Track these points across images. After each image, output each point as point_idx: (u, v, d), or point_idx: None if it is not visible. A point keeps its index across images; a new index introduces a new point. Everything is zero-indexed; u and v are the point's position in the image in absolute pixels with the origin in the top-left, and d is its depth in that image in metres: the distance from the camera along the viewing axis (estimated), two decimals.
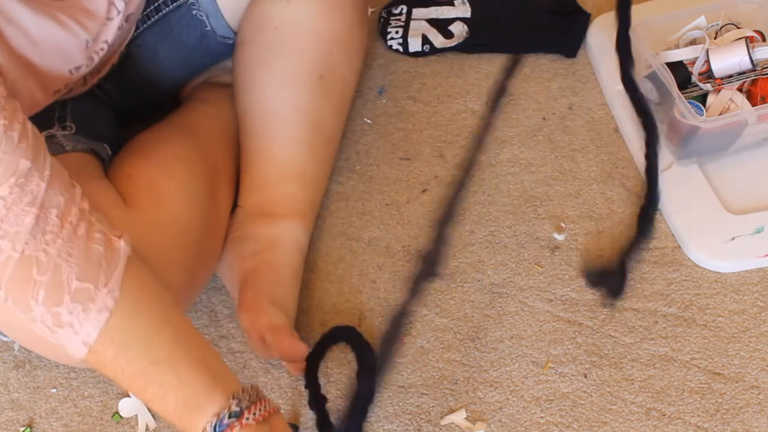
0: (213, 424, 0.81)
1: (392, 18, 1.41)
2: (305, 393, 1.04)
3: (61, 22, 0.89)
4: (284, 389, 1.07)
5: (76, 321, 0.79)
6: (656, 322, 1.10)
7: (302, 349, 1.01)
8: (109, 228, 0.83)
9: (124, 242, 0.83)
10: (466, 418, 1.03)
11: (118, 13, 0.97)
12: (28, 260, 0.77)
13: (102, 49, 0.99)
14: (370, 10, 1.37)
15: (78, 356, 0.81)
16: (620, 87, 1.28)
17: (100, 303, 0.80)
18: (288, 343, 1.00)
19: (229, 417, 0.81)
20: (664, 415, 1.03)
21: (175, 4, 1.12)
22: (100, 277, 0.80)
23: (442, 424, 1.03)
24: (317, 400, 1.03)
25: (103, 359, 0.81)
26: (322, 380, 1.06)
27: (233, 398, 0.82)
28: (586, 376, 1.06)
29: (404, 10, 1.42)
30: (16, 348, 1.10)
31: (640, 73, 1.22)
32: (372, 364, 1.05)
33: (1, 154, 0.75)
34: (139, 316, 0.82)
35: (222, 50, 1.19)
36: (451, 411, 1.04)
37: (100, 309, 0.80)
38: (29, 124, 0.80)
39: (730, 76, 1.18)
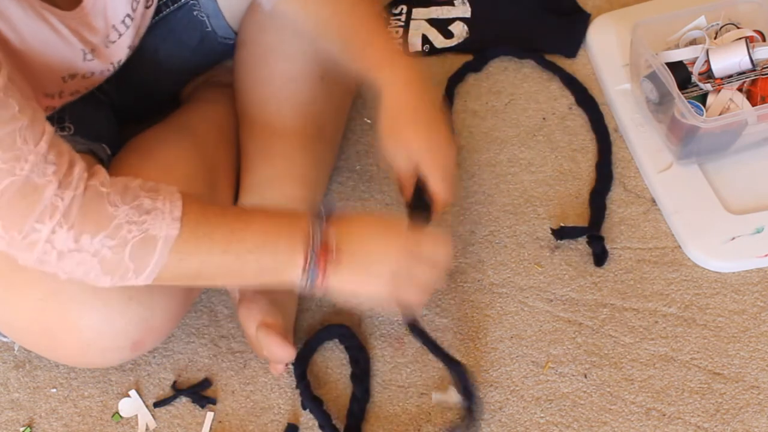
0: (318, 212, 0.90)
1: (392, 18, 1.41)
2: (298, 396, 1.05)
3: (55, 28, 0.89)
4: (284, 389, 1.07)
5: (158, 203, 0.84)
6: (656, 322, 1.10)
7: (288, 352, 1.01)
8: None
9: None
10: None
11: (120, 35, 0.97)
12: (91, 187, 0.83)
13: (109, 69, 1.01)
14: None
15: (170, 240, 0.84)
16: (620, 87, 1.29)
17: (165, 188, 0.86)
18: (276, 343, 1.00)
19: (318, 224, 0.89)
20: (664, 415, 1.03)
21: (176, 5, 1.12)
22: (156, 183, 0.87)
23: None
24: (312, 402, 1.03)
25: (195, 218, 0.86)
26: (317, 382, 1.06)
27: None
28: (586, 376, 1.06)
29: (404, 10, 1.42)
30: (16, 348, 1.11)
31: (640, 73, 1.22)
32: (366, 365, 1.06)
33: (26, 120, 0.79)
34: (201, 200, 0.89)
35: (223, 51, 1.19)
36: (451, 410, 1.04)
37: (172, 191, 0.86)
38: (34, 102, 0.84)
39: (730, 76, 1.18)
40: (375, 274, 0.90)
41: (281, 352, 1.00)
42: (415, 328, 1.05)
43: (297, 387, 1.05)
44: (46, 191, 0.79)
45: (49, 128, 0.82)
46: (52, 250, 0.81)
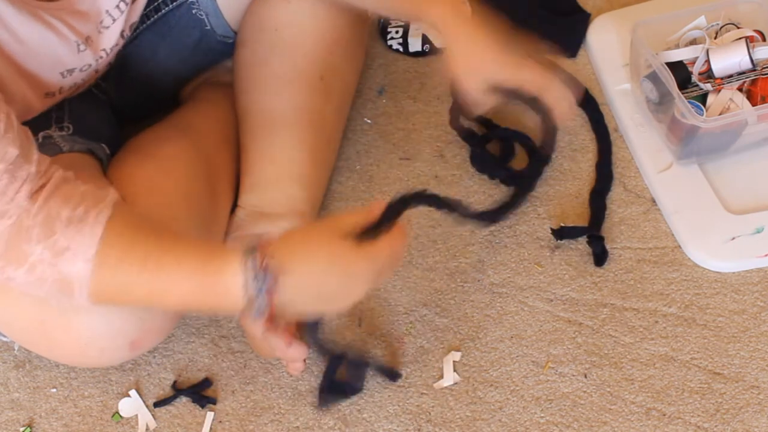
0: (247, 260, 0.82)
1: (392, 18, 1.41)
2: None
3: (48, 23, 0.89)
4: (284, 389, 1.07)
5: (73, 243, 0.81)
6: (656, 322, 1.10)
7: (302, 350, 1.01)
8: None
9: (112, 189, 0.86)
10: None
11: (114, 20, 0.97)
12: (20, 218, 0.80)
13: (101, 57, 0.99)
14: None
15: (83, 281, 0.81)
16: (620, 87, 1.29)
17: (92, 221, 0.82)
18: (288, 343, 1.00)
19: (251, 250, 0.83)
20: (664, 415, 1.03)
21: (174, 3, 1.12)
22: (90, 204, 0.82)
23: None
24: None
25: (109, 263, 0.82)
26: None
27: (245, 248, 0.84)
28: (586, 376, 1.06)
29: None
30: (16, 348, 1.10)
31: (640, 73, 1.22)
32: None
33: None
34: (133, 221, 0.85)
35: (222, 50, 1.19)
36: (451, 410, 1.04)
37: (93, 224, 0.82)
38: (13, 116, 0.81)
39: (730, 76, 1.18)
40: (343, 303, 0.89)
41: (294, 351, 1.00)
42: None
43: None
44: None
45: (11, 152, 0.79)
46: None
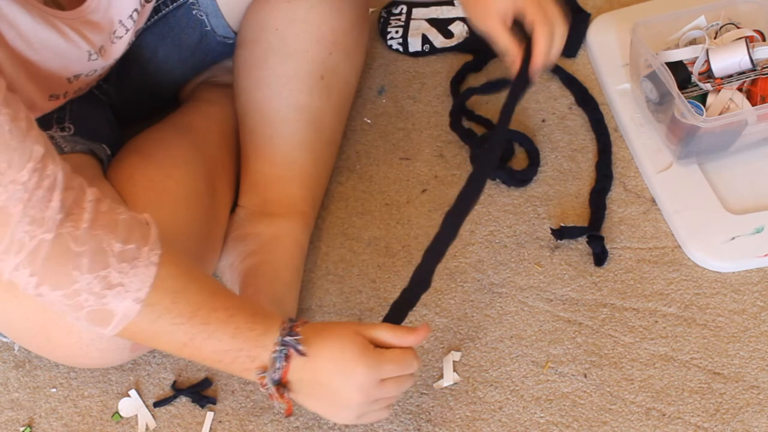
0: (286, 322, 0.87)
1: (392, 18, 1.41)
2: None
3: (61, 31, 0.89)
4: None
5: (126, 279, 0.81)
6: (656, 322, 1.10)
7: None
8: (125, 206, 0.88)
9: (148, 217, 0.87)
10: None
11: (127, 30, 0.97)
12: (62, 237, 0.79)
13: (110, 65, 1.00)
14: (370, 10, 1.37)
15: (126, 319, 0.82)
16: (620, 87, 1.29)
17: (145, 259, 0.82)
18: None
19: (291, 321, 0.88)
20: (664, 414, 1.03)
21: (175, 4, 1.12)
22: (138, 238, 0.83)
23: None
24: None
25: (158, 308, 0.83)
26: None
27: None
28: (586, 376, 1.06)
29: (404, 10, 1.42)
30: (16, 348, 1.10)
31: (640, 73, 1.22)
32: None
33: (15, 143, 0.77)
34: (183, 266, 0.86)
35: (222, 50, 1.19)
36: (451, 410, 1.04)
37: (147, 264, 0.82)
38: (32, 117, 0.81)
39: (730, 76, 1.18)
40: (328, 413, 0.90)
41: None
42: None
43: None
44: (17, 225, 0.77)
45: (37, 150, 0.78)
46: (17, 281, 0.81)
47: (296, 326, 0.88)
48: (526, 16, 1.00)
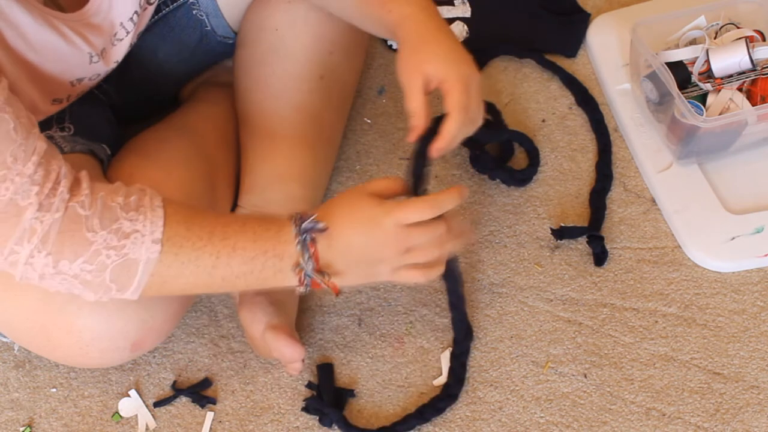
0: (294, 214, 0.89)
1: None
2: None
3: (63, 34, 0.89)
4: (284, 389, 1.07)
5: (139, 225, 0.84)
6: (656, 322, 1.10)
7: (300, 351, 1.01)
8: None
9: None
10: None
11: (127, 33, 0.97)
12: (70, 209, 0.81)
13: (112, 68, 1.00)
14: None
15: (151, 263, 0.84)
16: (620, 87, 1.29)
17: (149, 204, 0.85)
18: (286, 344, 1.00)
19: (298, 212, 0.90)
20: (664, 414, 1.03)
21: (175, 4, 1.12)
22: (136, 191, 0.86)
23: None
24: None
25: (176, 241, 0.85)
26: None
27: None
28: (586, 376, 1.06)
29: None
30: (16, 348, 1.10)
31: (640, 73, 1.22)
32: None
33: (20, 139, 0.79)
34: (183, 204, 0.89)
35: (222, 50, 1.19)
36: (451, 410, 1.04)
37: (153, 207, 0.85)
38: (33, 117, 0.83)
39: (730, 76, 1.18)
40: (370, 277, 0.91)
41: (292, 352, 1.00)
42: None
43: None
44: (26, 214, 0.79)
45: (40, 145, 0.81)
46: (32, 271, 0.82)
47: (306, 213, 0.89)
48: (448, 95, 0.93)
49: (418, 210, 0.88)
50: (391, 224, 0.87)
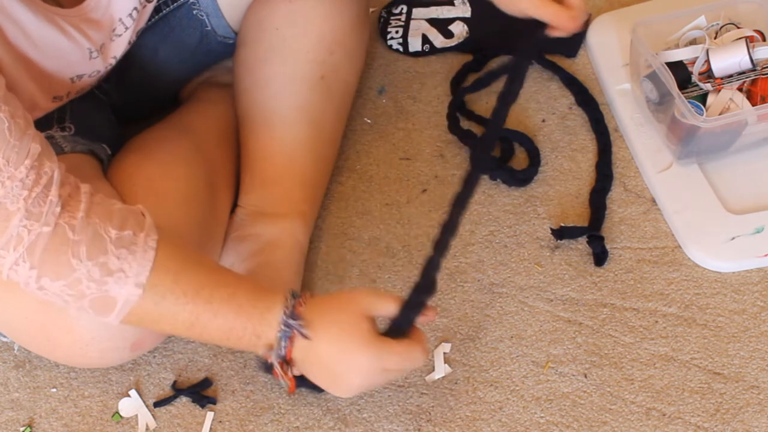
0: (288, 299, 0.88)
1: (392, 18, 1.41)
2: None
3: (63, 29, 0.89)
4: (284, 389, 1.07)
5: (125, 265, 0.82)
6: (656, 322, 1.10)
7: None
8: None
9: (142, 207, 0.88)
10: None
11: (126, 29, 0.97)
12: (59, 228, 0.80)
13: (110, 64, 1.00)
14: (370, 10, 1.37)
15: (128, 304, 0.83)
16: (620, 87, 1.29)
17: (143, 244, 0.84)
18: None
19: (294, 297, 0.90)
20: (664, 415, 1.03)
21: (175, 4, 1.12)
22: (134, 225, 0.84)
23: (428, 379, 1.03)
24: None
25: (159, 290, 0.84)
26: None
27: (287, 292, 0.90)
28: (586, 376, 1.06)
29: (404, 10, 1.42)
30: (16, 348, 1.10)
31: (640, 73, 1.22)
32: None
33: (13, 140, 0.78)
34: (180, 248, 0.88)
35: (223, 50, 1.19)
36: (451, 410, 1.04)
37: (145, 249, 0.84)
38: (29, 116, 0.83)
39: (730, 76, 1.18)
40: (331, 388, 0.92)
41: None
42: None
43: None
44: (14, 219, 0.79)
45: (34, 147, 0.80)
46: (17, 277, 0.82)
47: (299, 305, 0.89)
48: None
49: (405, 361, 0.90)
50: (375, 368, 0.88)
